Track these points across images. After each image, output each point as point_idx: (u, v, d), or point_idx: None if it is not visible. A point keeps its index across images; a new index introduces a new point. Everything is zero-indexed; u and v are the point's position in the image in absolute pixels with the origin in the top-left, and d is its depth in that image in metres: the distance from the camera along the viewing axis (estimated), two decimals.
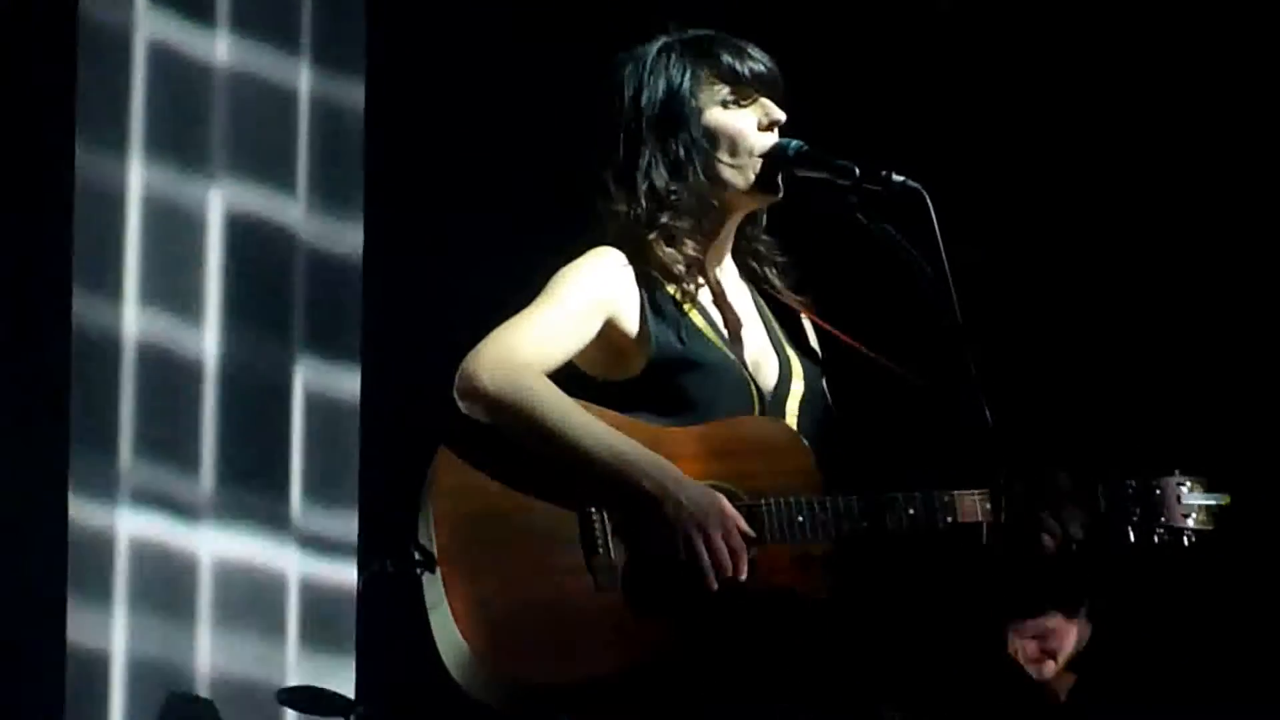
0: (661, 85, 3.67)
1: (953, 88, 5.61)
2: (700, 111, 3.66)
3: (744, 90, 3.67)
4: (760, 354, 3.71)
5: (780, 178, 3.66)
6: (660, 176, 3.65)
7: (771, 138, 3.66)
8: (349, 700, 5.52)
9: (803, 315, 3.80)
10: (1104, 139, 5.64)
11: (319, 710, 5.52)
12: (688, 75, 3.66)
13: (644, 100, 3.67)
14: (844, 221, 3.55)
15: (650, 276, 3.65)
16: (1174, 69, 5.61)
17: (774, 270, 3.80)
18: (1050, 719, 5.02)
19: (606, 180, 3.68)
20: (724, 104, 3.67)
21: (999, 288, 4.44)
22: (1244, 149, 5.58)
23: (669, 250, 3.64)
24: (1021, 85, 5.65)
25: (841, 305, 3.85)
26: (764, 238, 3.80)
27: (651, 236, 3.63)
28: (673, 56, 3.69)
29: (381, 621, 5.52)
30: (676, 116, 3.66)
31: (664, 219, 3.64)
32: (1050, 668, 5.09)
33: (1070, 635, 5.15)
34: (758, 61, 3.68)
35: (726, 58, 3.67)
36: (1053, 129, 5.65)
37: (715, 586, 3.43)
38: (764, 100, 3.68)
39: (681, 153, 3.65)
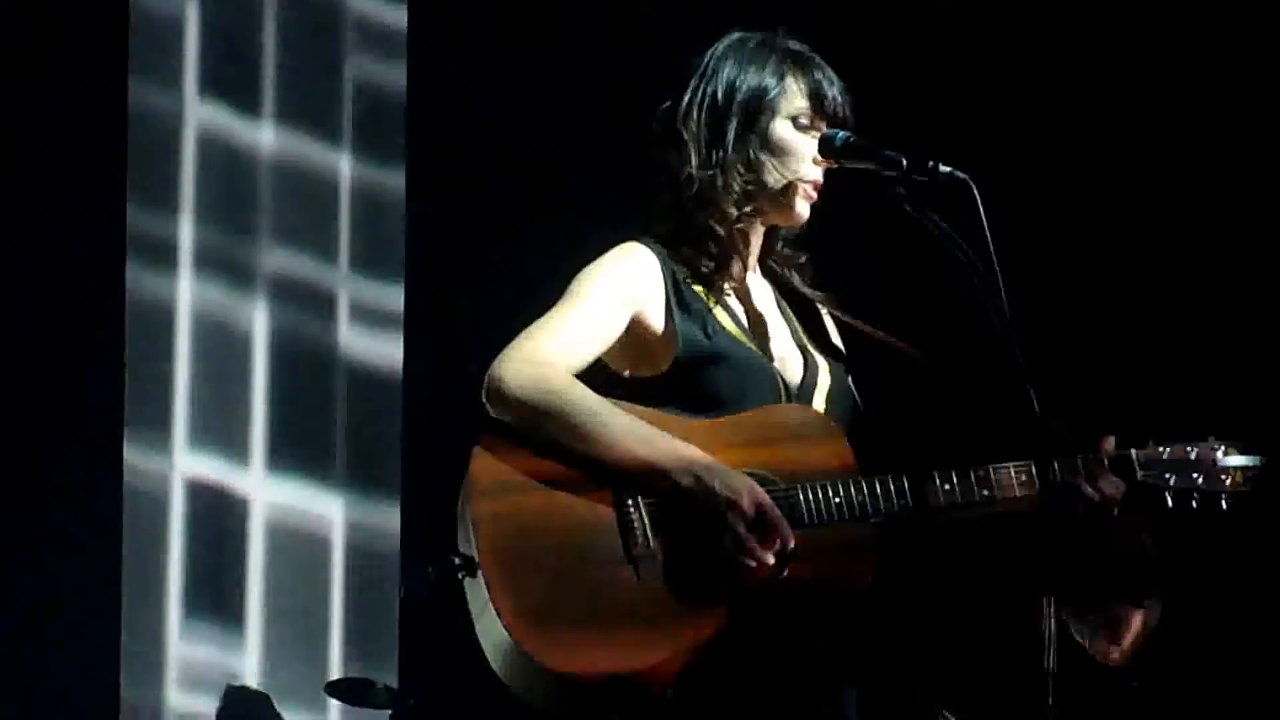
0: (754, 78, 3.69)
1: (953, 87, 5.61)
2: (775, 115, 3.69)
3: (819, 119, 3.70)
4: (785, 351, 3.73)
5: (800, 204, 3.69)
6: (729, 154, 3.67)
7: (817, 171, 3.69)
8: (394, 691, 5.55)
9: (824, 312, 3.82)
10: (1122, 120, 5.62)
11: (365, 702, 5.54)
12: (779, 80, 3.69)
13: (738, 82, 3.69)
14: (889, 211, 3.58)
15: (676, 272, 3.66)
16: (1188, 44, 5.59)
17: (795, 274, 3.83)
18: (1118, 705, 5.00)
19: (682, 138, 3.69)
20: (795, 120, 3.70)
21: (1032, 259, 4.43)
22: (1263, 129, 5.56)
23: (708, 226, 3.67)
24: (1023, 82, 5.64)
25: (871, 295, 3.86)
26: (785, 251, 3.82)
27: (698, 204, 3.66)
28: (773, 56, 3.72)
29: (426, 617, 5.54)
30: (756, 113, 3.68)
31: (718, 189, 3.66)
32: (1117, 656, 5.06)
33: (1136, 623, 5.10)
34: (841, 99, 3.71)
35: (818, 78, 3.70)
36: (1074, 108, 5.64)
37: (754, 571, 3.44)
38: None
39: (756, 145, 3.68)
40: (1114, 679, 5.00)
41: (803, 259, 3.83)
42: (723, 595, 3.44)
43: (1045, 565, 3.56)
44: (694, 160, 3.68)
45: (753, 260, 3.78)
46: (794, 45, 3.75)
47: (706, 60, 3.73)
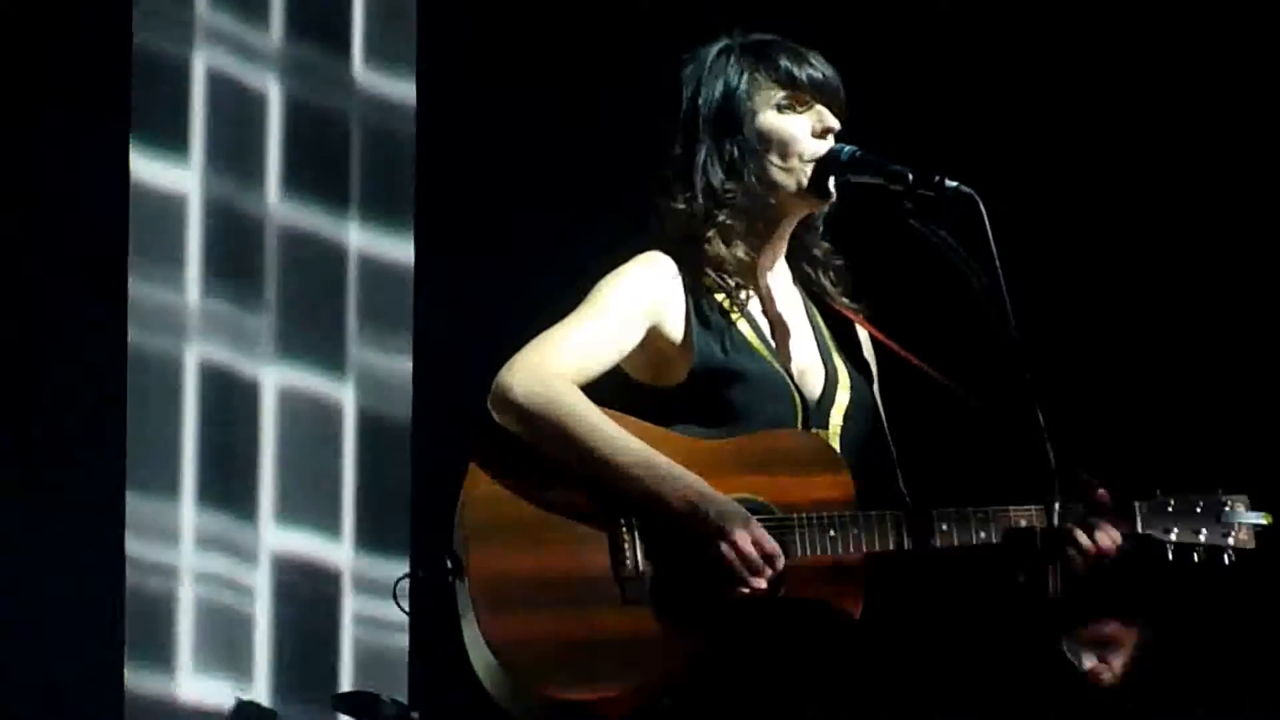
0: (719, 86, 3.69)
1: (953, 87, 5.56)
2: (754, 113, 3.68)
3: (800, 95, 3.69)
4: (807, 363, 3.71)
5: (831, 182, 3.66)
6: (716, 175, 3.67)
7: (825, 144, 3.67)
8: (403, 705, 5.52)
9: (856, 323, 3.80)
10: (1131, 128, 5.53)
11: (373, 716, 5.52)
12: (745, 78, 3.69)
13: (701, 100, 3.70)
14: (897, 227, 3.55)
15: (698, 283, 3.66)
16: (1194, 45, 5.51)
17: (829, 276, 3.80)
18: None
19: (666, 177, 3.70)
20: (779, 108, 3.69)
21: (1043, 303, 4.40)
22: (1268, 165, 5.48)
23: (723, 250, 3.65)
24: (1025, 85, 5.58)
25: (895, 312, 3.84)
26: (821, 244, 3.80)
27: (709, 234, 3.65)
28: (732, 58, 3.71)
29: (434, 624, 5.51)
30: (732, 117, 3.68)
31: (720, 217, 3.66)
32: (1108, 675, 5.01)
33: (1129, 642, 5.06)
34: (816, 69, 3.70)
35: (785, 62, 3.69)
36: (1078, 115, 5.57)
37: (739, 598, 3.43)
38: (820, 107, 3.69)
39: (736, 152, 3.68)
40: (1108, 699, 4.95)
41: (840, 261, 3.81)
42: (706, 623, 3.44)
43: (1037, 589, 3.52)
44: (681, 197, 3.67)
45: (779, 264, 3.77)
46: (749, 39, 3.73)
47: (683, 92, 3.71)
